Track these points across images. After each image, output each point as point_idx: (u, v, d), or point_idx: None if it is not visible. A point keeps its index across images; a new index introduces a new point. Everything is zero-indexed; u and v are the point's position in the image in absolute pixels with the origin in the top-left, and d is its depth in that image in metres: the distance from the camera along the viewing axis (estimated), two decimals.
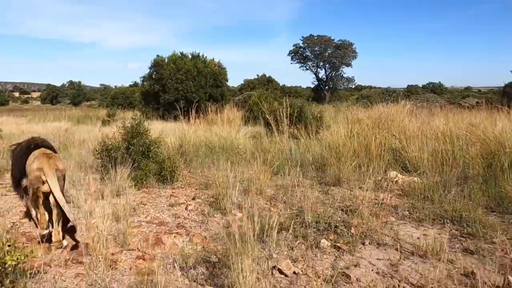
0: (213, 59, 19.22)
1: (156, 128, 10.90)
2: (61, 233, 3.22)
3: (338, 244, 3.20)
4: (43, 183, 3.13)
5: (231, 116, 15.73)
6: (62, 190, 3.26)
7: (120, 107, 29.81)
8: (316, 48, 46.25)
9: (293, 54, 48.48)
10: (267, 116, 7.74)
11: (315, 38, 46.08)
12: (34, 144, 3.65)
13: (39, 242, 3.18)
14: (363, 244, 3.25)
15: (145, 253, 3.05)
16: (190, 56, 18.69)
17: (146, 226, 3.67)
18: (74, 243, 3.21)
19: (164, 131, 9.19)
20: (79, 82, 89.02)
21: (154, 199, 4.70)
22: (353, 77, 49.44)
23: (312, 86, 51.68)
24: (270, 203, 4.45)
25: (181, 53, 18.65)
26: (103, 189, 4.90)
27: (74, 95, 75.19)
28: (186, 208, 4.24)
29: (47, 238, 3.24)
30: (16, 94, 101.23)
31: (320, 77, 48.85)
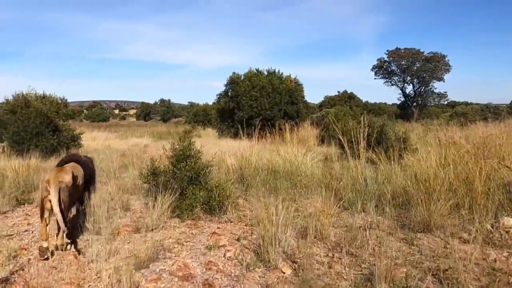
0: (289, 75, 18.53)
1: (223, 146, 10.45)
2: (64, 238, 3.47)
3: None
4: (49, 192, 3.34)
5: (306, 134, 14.82)
6: (66, 200, 3.48)
7: (201, 123, 30.72)
8: (403, 62, 43.09)
9: (376, 69, 45.83)
10: (340, 137, 6.66)
11: (402, 51, 43.04)
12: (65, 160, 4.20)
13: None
14: None
15: None
16: (265, 73, 18.25)
17: (165, 280, 2.90)
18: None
19: (229, 151, 8.62)
20: (169, 100, 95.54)
21: (194, 236, 3.97)
22: (445, 92, 44.81)
23: (398, 102, 48.26)
24: (332, 255, 3.41)
25: (257, 70, 18.28)
26: (142, 220, 4.34)
27: (164, 112, 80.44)
28: (224, 255, 3.40)
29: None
30: (116, 111, 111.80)
31: (407, 92, 45.38)
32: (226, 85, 18.40)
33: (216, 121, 19.75)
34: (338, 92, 47.98)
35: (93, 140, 20.30)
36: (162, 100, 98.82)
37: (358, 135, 6.50)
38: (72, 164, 3.98)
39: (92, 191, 4.52)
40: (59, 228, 3.40)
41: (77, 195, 3.97)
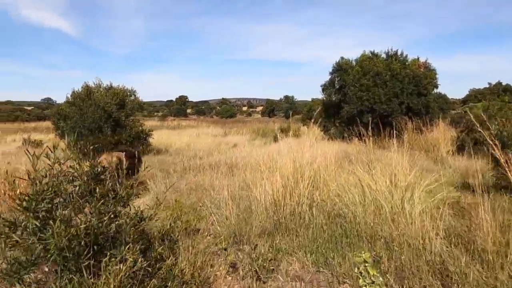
0: (417, 58, 14.04)
1: (312, 152, 7.28)
2: None
3: None
4: None
5: (437, 138, 10.50)
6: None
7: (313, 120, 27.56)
8: None
9: None
10: (494, 149, 2.89)
11: None
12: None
13: None
14: None
15: None
16: (384, 56, 14.15)
17: None
18: None
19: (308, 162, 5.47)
20: (292, 97, 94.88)
21: None
22: None
23: None
24: None
25: (372, 53, 14.31)
26: None
27: (287, 109, 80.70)
28: None
29: None
30: (245, 108, 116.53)
31: None
32: (331, 73, 14.93)
33: (320, 117, 16.41)
34: (489, 84, 39.20)
35: (197, 137, 19.19)
36: (286, 97, 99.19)
37: None
38: (118, 153, 5.74)
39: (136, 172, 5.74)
40: None
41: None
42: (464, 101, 43.34)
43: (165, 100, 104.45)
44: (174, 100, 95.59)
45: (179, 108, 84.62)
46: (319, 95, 16.65)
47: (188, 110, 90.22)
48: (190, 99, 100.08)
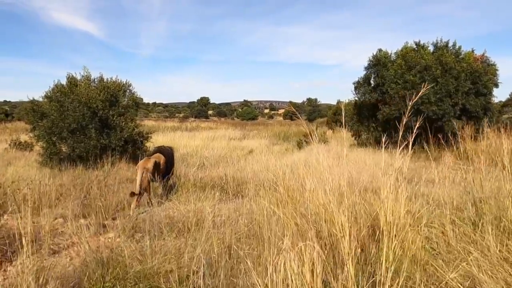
0: (472, 50, 11.66)
1: (341, 167, 5.17)
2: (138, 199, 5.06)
3: None
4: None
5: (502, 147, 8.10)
6: (150, 178, 5.25)
7: (340, 123, 25.38)
8: None
9: None
10: None
11: None
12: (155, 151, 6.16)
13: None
14: None
15: None
16: (431, 48, 11.83)
17: None
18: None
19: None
20: (315, 99, 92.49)
21: None
22: None
23: None
24: None
25: (417, 44, 12.00)
26: None
27: (310, 112, 79.08)
28: None
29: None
30: (267, 111, 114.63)
31: None
32: (367, 68, 12.67)
33: (351, 120, 14.15)
34: None
35: (211, 140, 17.34)
36: (309, 100, 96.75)
37: None
38: (156, 154, 5.86)
39: (172, 169, 6.37)
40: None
41: (160, 174, 5.55)
42: (504, 105, 39.93)
43: (187, 101, 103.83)
44: (196, 101, 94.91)
45: (201, 110, 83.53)
46: (344, 97, 14.47)
47: (210, 112, 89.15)
48: (212, 101, 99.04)
